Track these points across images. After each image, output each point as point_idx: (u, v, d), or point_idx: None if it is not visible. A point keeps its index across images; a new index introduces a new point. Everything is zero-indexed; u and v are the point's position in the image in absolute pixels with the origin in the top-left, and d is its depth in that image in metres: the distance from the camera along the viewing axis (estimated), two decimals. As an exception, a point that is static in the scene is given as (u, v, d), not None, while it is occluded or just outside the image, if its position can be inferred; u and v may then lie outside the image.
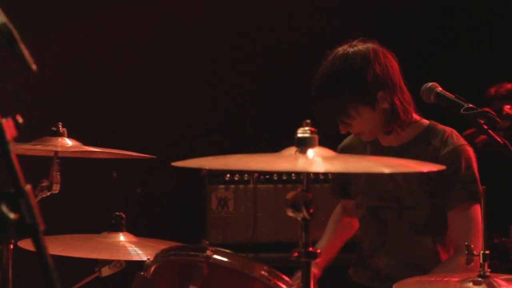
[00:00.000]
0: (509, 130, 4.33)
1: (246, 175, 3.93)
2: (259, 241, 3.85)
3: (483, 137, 4.40)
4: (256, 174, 3.90)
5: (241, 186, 3.92)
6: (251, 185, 3.92)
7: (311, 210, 1.72)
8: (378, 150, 2.70)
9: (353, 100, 2.54)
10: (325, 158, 1.66)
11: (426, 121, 2.68)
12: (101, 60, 4.26)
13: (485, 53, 4.61)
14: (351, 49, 2.57)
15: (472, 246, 2.25)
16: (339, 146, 2.83)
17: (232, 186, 3.92)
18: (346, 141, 2.82)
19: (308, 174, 1.71)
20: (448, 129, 2.65)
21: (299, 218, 1.74)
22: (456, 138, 2.63)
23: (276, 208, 3.86)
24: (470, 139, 2.98)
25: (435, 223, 2.60)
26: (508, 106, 4.50)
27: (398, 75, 2.62)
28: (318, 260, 2.74)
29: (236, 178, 3.92)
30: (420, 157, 2.59)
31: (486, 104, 4.16)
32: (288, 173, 3.90)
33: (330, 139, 2.01)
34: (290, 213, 1.74)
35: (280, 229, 3.87)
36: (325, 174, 3.86)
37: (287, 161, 1.68)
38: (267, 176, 3.92)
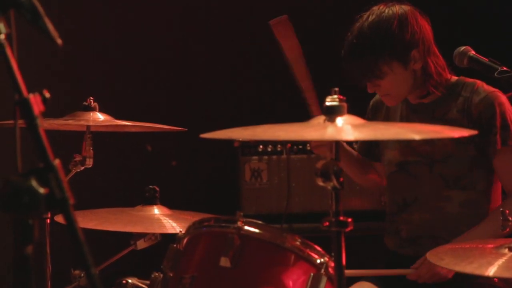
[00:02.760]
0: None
1: (279, 145, 3.92)
2: (293, 212, 3.85)
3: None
4: (289, 145, 3.89)
5: (274, 157, 3.91)
6: (284, 156, 3.91)
7: (341, 179, 1.71)
8: (409, 107, 2.69)
9: (387, 54, 2.54)
10: (354, 126, 1.65)
11: (455, 77, 2.67)
12: (132, 34, 4.26)
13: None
14: (387, 8, 2.59)
15: None
16: (371, 101, 2.83)
17: (265, 157, 3.91)
18: (376, 98, 2.81)
19: (338, 142, 1.70)
20: (478, 81, 2.64)
21: (329, 187, 1.73)
22: (487, 86, 2.61)
23: (309, 178, 3.84)
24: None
25: (467, 177, 2.58)
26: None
27: (431, 38, 2.62)
28: None
29: (269, 149, 3.92)
30: (451, 110, 2.59)
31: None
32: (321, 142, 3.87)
33: (358, 107, 1.99)
34: (320, 183, 1.73)
35: (314, 199, 3.86)
36: (358, 142, 3.84)
37: (315, 130, 1.67)
38: (300, 146, 3.90)
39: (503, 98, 2.59)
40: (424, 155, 2.62)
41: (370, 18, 2.57)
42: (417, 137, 1.54)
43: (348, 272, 2.41)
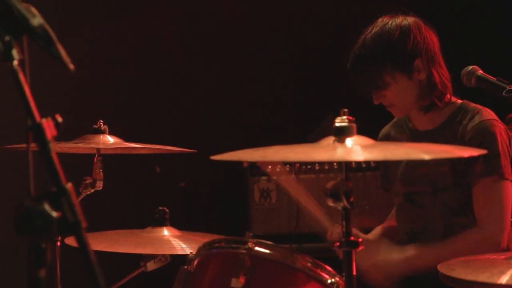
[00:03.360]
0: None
1: (288, 165, 3.93)
2: (303, 232, 3.85)
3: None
4: (297, 165, 3.90)
5: (283, 177, 3.92)
6: (293, 176, 3.92)
7: (352, 199, 1.72)
8: (414, 135, 2.69)
9: (390, 65, 2.55)
10: (364, 147, 1.66)
11: (459, 101, 2.66)
12: (141, 57, 4.29)
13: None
14: (391, 20, 2.60)
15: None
16: (380, 133, 2.84)
17: (274, 177, 3.93)
18: (384, 130, 2.83)
19: (347, 163, 1.71)
20: (480, 106, 2.62)
21: (339, 208, 1.74)
22: (486, 113, 2.58)
23: (318, 197, 3.84)
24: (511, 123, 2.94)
25: (470, 205, 2.57)
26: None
27: (437, 49, 2.63)
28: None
29: (278, 169, 3.93)
30: (452, 138, 2.58)
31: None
32: (330, 162, 3.89)
33: (368, 129, 2.00)
34: (330, 203, 1.74)
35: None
36: (367, 162, 3.84)
37: (325, 151, 1.68)
38: (309, 166, 3.91)
39: (497, 127, 2.54)
40: (428, 185, 2.62)
41: (374, 30, 2.59)
42: (426, 157, 1.54)
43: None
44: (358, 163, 3.84)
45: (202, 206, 4.25)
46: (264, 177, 3.93)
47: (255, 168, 3.93)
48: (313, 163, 3.88)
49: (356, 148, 1.64)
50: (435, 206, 2.61)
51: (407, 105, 2.62)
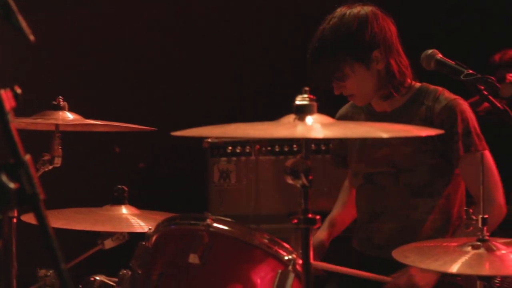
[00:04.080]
0: None
1: (248, 147, 3.94)
2: (261, 213, 3.87)
3: (485, 105, 4.41)
4: (257, 146, 3.91)
5: (243, 158, 3.93)
6: (253, 157, 3.93)
7: (310, 177, 1.74)
8: (372, 116, 2.73)
9: (348, 56, 2.57)
10: (324, 125, 1.67)
11: (418, 84, 2.71)
12: (101, 33, 4.25)
13: (490, 20, 4.59)
14: (349, 10, 2.62)
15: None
16: (337, 114, 2.87)
17: (234, 158, 3.93)
18: (341, 110, 2.86)
19: (307, 141, 1.72)
20: (440, 88, 2.68)
21: (298, 185, 1.75)
22: (448, 94, 2.66)
23: (278, 179, 3.87)
24: (472, 108, 2.99)
25: (432, 185, 2.63)
26: (512, 74, 4.49)
27: (395, 38, 2.66)
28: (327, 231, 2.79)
29: (238, 150, 3.93)
30: (414, 119, 2.63)
31: (490, 72, 4.15)
32: (290, 144, 3.91)
33: (328, 108, 2.02)
34: (289, 181, 1.76)
35: (282, 200, 3.88)
36: (326, 144, 3.87)
37: (285, 128, 1.69)
38: (269, 148, 3.92)
39: (464, 105, 2.64)
40: (390, 165, 2.66)
41: (332, 21, 2.60)
42: (385, 135, 1.56)
43: (329, 266, 2.45)
44: (318, 146, 3.87)
45: (162, 186, 4.24)
46: (224, 158, 3.94)
47: (215, 148, 3.93)
48: (272, 145, 3.89)
49: (316, 126, 1.66)
50: (397, 187, 2.65)
51: (367, 95, 2.66)
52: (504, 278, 3.11)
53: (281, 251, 1.91)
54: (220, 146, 3.92)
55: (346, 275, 2.72)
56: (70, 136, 2.89)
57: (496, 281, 3.11)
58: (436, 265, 1.94)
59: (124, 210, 2.79)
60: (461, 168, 2.61)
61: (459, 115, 2.60)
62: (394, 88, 2.63)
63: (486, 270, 1.92)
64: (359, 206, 2.79)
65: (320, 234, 2.81)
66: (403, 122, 2.63)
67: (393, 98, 2.67)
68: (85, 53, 4.21)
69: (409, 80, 2.68)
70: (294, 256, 1.91)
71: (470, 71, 2.47)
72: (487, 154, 2.59)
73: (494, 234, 2.17)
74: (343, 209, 2.90)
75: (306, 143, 1.71)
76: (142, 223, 2.69)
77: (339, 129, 1.69)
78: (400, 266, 2.54)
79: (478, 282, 2.04)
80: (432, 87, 2.70)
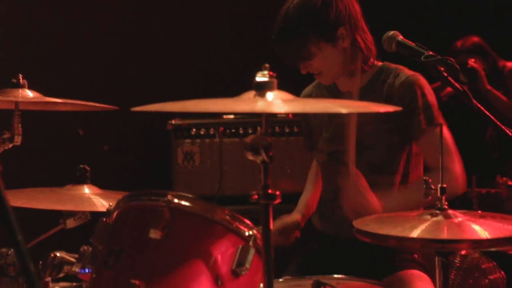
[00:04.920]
0: (473, 84, 4.39)
1: (212, 129, 3.95)
2: (225, 194, 3.89)
3: (448, 90, 4.47)
4: (222, 128, 3.92)
5: (207, 140, 3.95)
6: (217, 139, 3.94)
7: (271, 153, 1.75)
8: (336, 96, 2.75)
9: (314, 35, 2.59)
10: (284, 101, 1.69)
11: (380, 63, 2.74)
12: (61, 10, 4.22)
13: (453, 7, 4.64)
14: None
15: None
16: (301, 94, 2.89)
17: (198, 140, 3.94)
18: (305, 91, 2.89)
19: (267, 116, 1.73)
20: (400, 66, 2.73)
21: (258, 161, 1.77)
22: (408, 70, 2.70)
23: (242, 161, 3.89)
24: (435, 93, 3.03)
25: (393, 163, 2.67)
26: (473, 60, 4.56)
27: (359, 15, 2.69)
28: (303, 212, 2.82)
29: (202, 132, 3.94)
30: (377, 98, 2.66)
31: (452, 58, 4.21)
32: (254, 126, 3.93)
33: (289, 86, 2.03)
34: (249, 157, 1.77)
35: (246, 182, 3.91)
36: (290, 127, 3.90)
37: (246, 103, 1.70)
38: (233, 130, 3.94)
39: (423, 80, 2.67)
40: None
41: (296, 0, 2.61)
42: (344, 110, 1.58)
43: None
44: (282, 128, 3.90)
45: (125, 167, 4.24)
46: (188, 140, 3.94)
47: (179, 131, 3.94)
48: (236, 127, 3.91)
49: (276, 102, 1.67)
50: (360, 164, 2.68)
51: (334, 72, 2.68)
52: (463, 257, 3.18)
53: (242, 227, 1.93)
54: (184, 128, 3.93)
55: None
56: (31, 115, 2.87)
57: (456, 260, 3.17)
58: (396, 231, 2.00)
59: (87, 189, 2.78)
60: (422, 142, 2.64)
61: (418, 89, 2.64)
62: (362, 63, 2.66)
63: (444, 234, 1.98)
64: (324, 185, 2.82)
65: (295, 216, 2.84)
66: (366, 100, 2.66)
67: (357, 76, 2.69)
68: (46, 31, 4.18)
69: (372, 59, 2.71)
70: (255, 231, 1.93)
71: (431, 53, 2.50)
72: (445, 127, 2.63)
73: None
74: (314, 189, 2.93)
75: (266, 119, 1.73)
76: (104, 202, 2.67)
77: (299, 105, 1.71)
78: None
79: (436, 258, 2.09)
80: (393, 65, 2.74)
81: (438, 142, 2.13)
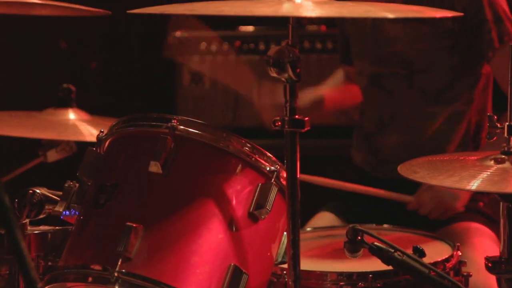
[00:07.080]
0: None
1: (226, 44, 3.94)
2: (241, 125, 3.90)
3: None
4: (238, 42, 3.91)
5: (220, 57, 3.94)
6: (232, 56, 3.95)
7: (298, 70, 1.75)
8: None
9: None
10: (316, 3, 1.68)
11: None
12: None
13: None
14: None
15: None
16: None
17: (209, 57, 3.94)
18: None
19: (295, 22, 1.73)
20: None
21: (283, 79, 1.77)
22: None
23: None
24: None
25: (450, 90, 2.65)
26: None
27: None
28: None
29: (213, 48, 3.94)
30: (436, 4, 2.62)
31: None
32: (277, 41, 3.89)
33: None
34: (272, 73, 1.78)
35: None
36: (322, 42, 3.88)
37: (268, 6, 1.69)
38: (252, 45, 3.93)
39: None
40: (402, 65, 2.67)
41: None
42: (390, 15, 1.57)
43: (327, 182, 2.49)
44: (312, 43, 3.88)
45: (118, 89, 4.25)
46: (196, 57, 3.94)
47: (186, 45, 3.93)
48: (256, 42, 3.90)
49: (306, 3, 1.67)
50: (409, 93, 2.67)
51: None
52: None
53: (262, 161, 1.94)
54: (192, 42, 3.92)
55: (346, 194, 2.77)
56: (2, 21, 2.88)
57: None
58: (451, 182, 1.97)
59: (72, 114, 2.81)
60: (494, 63, 2.63)
61: (485, 1, 2.60)
62: None
63: (511, 187, 1.96)
64: (365, 115, 2.83)
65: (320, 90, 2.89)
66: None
67: None
68: None
69: None
70: (278, 167, 1.94)
71: None
72: None
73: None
74: (335, 88, 2.95)
75: (294, 26, 1.72)
76: (93, 131, 2.71)
77: (334, 8, 1.70)
78: (410, 187, 2.59)
79: (501, 204, 2.09)
80: None
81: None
